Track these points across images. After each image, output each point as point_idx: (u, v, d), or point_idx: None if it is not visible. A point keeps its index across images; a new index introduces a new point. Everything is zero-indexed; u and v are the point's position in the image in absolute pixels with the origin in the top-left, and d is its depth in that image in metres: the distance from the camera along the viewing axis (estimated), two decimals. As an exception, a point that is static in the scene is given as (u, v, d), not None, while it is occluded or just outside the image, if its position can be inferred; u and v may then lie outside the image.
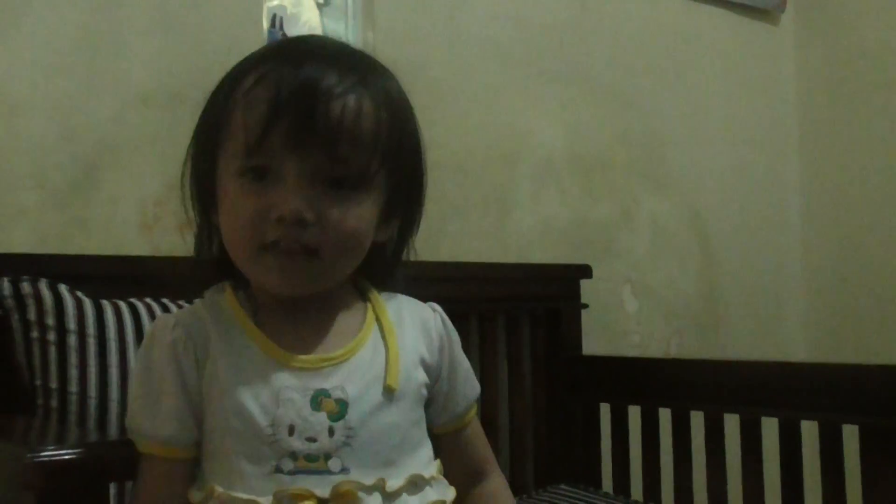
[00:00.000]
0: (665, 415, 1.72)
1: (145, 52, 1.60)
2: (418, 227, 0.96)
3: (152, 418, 0.84)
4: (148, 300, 1.36)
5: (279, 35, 1.79)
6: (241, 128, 0.82)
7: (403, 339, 0.92)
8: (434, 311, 0.98)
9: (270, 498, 0.80)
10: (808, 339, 2.54)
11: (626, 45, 2.26)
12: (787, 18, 2.60)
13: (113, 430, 1.19)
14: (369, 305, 0.93)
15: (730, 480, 1.61)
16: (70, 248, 1.48)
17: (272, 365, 0.84)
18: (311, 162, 0.81)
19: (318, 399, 0.83)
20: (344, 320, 0.91)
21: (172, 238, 1.59)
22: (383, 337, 0.91)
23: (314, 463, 0.82)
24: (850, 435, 1.41)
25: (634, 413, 1.78)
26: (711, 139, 2.41)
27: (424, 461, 0.90)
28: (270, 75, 0.82)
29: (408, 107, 0.91)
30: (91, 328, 1.26)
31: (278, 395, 0.83)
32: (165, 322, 0.88)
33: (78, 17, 1.54)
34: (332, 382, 0.85)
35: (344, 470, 0.82)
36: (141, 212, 1.57)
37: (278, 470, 0.81)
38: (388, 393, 0.87)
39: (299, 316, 0.89)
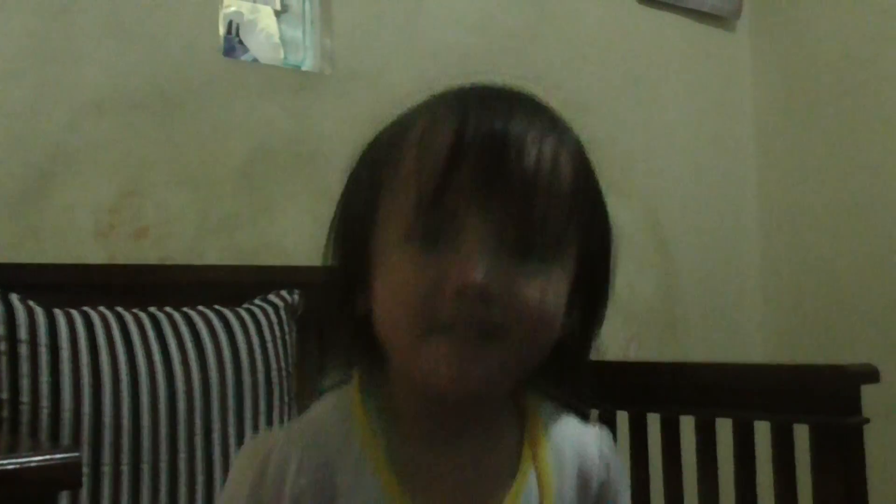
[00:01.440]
0: (623, 417, 1.73)
1: (99, 58, 1.59)
2: (603, 318, 0.79)
3: None
4: (102, 308, 1.35)
5: (236, 43, 1.79)
6: (413, 179, 0.66)
7: (562, 494, 0.73)
8: (598, 439, 0.78)
9: None
10: (765, 341, 2.57)
11: (584, 52, 2.28)
12: (743, 25, 2.63)
13: (66, 441, 1.19)
14: (526, 436, 0.74)
15: (686, 480, 1.62)
16: (22, 257, 1.47)
17: None
18: (499, 222, 0.65)
19: None
20: (497, 453, 0.72)
21: (128, 246, 1.58)
22: (540, 490, 0.72)
23: None
24: (801, 434, 1.43)
25: (592, 416, 1.79)
26: (669, 145, 2.44)
27: None
28: (449, 118, 0.67)
29: (594, 168, 0.76)
30: (43, 337, 1.25)
31: None
32: (283, 458, 0.68)
33: (29, 23, 1.53)
34: None
35: None
36: (95, 220, 1.56)
37: None
38: None
39: (444, 443, 0.71)
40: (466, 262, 0.64)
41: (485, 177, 0.65)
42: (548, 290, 0.67)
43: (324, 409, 0.72)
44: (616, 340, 2.27)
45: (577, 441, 0.76)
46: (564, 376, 0.76)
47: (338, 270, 0.73)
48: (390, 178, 0.68)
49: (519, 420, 0.75)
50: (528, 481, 0.71)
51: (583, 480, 0.75)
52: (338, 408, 0.71)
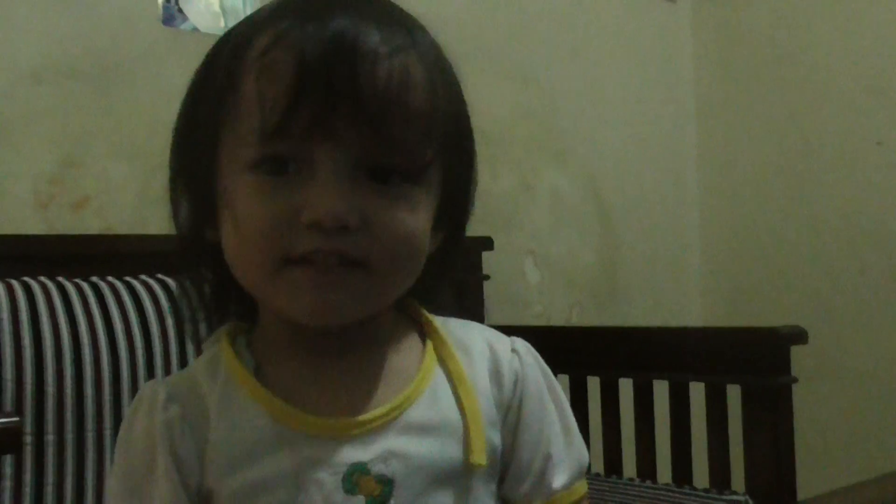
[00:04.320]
0: (564, 381, 1.77)
1: (35, 26, 1.57)
2: (465, 233, 0.74)
3: None
4: (42, 279, 1.35)
5: (175, 11, 1.77)
6: (255, 104, 0.60)
7: (478, 389, 0.68)
8: (514, 350, 0.72)
9: None
10: (705, 307, 2.63)
11: (526, 21, 2.29)
12: (684, -5, 2.67)
13: (8, 408, 1.19)
14: (428, 341, 0.70)
15: (624, 439, 1.67)
16: (-40, 228, 1.45)
17: (287, 434, 0.62)
18: (352, 147, 0.60)
19: (352, 477, 0.61)
20: (392, 360, 0.68)
21: (68, 217, 1.57)
22: (453, 389, 0.67)
23: None
24: (734, 394, 1.48)
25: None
26: (610, 113, 2.47)
27: None
28: (292, 33, 0.60)
29: (456, 75, 0.70)
30: (-19, 308, 1.25)
31: (298, 474, 0.61)
32: (154, 395, 0.65)
33: (-37, -8, 1.50)
34: (371, 452, 0.63)
35: None
36: (35, 190, 1.55)
37: None
38: (467, 470, 0.65)
39: (325, 357, 0.66)
40: (321, 192, 0.59)
41: (333, 100, 0.59)
42: (411, 214, 0.62)
43: (198, 360, 0.70)
44: (558, 307, 2.31)
45: (485, 336, 0.72)
46: (430, 288, 0.71)
47: (187, 203, 0.68)
48: (230, 100, 0.62)
49: (411, 323, 0.71)
50: (433, 373, 0.67)
51: (495, 372, 0.69)
52: (210, 351, 0.68)
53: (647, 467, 1.60)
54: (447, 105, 0.65)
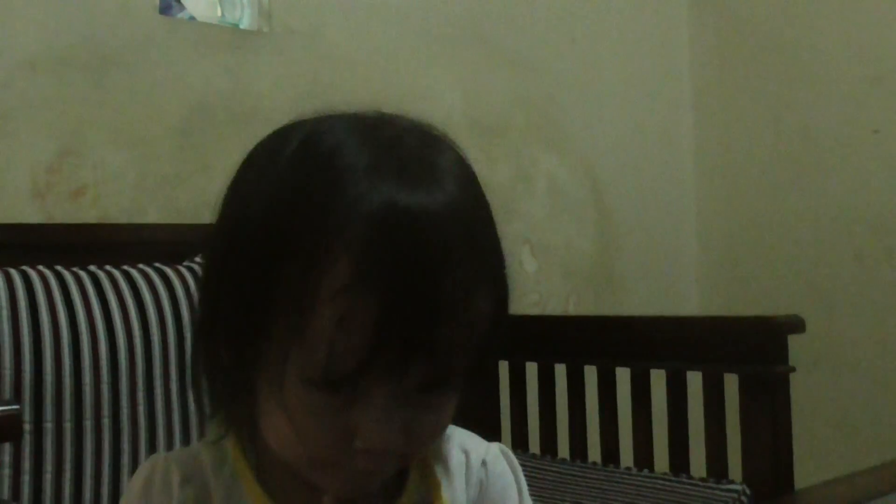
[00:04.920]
0: (561, 370, 1.77)
1: (32, 15, 1.56)
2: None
3: None
4: (40, 268, 1.35)
5: (172, 0, 1.77)
6: (325, 343, 0.58)
7: (454, 495, 0.72)
8: (484, 464, 0.74)
9: None
10: (702, 296, 2.63)
11: (523, 8, 2.29)
12: (681, -17, 2.66)
13: (6, 396, 1.19)
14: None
15: (621, 429, 1.67)
16: (-42, 217, 1.45)
17: None
18: (410, 383, 0.61)
19: None
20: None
21: (66, 206, 1.57)
22: (430, 493, 0.71)
23: None
24: (732, 383, 1.48)
25: (532, 369, 1.83)
26: (607, 102, 2.47)
27: None
28: (375, 284, 0.57)
29: (508, 277, 0.69)
30: (-20, 297, 1.25)
31: None
32: (168, 473, 0.67)
33: (-41, -20, 1.50)
34: None
35: None
36: (32, 179, 1.55)
37: None
38: None
39: None
40: (376, 423, 0.60)
41: (406, 359, 0.59)
42: (447, 414, 0.65)
43: (204, 445, 0.71)
44: (555, 296, 2.31)
45: (462, 446, 0.74)
46: None
47: (209, 319, 0.65)
48: (299, 318, 0.59)
49: None
50: (417, 490, 0.70)
51: (468, 482, 0.73)
52: (214, 448, 0.69)
53: (644, 457, 1.60)
54: (499, 321, 0.65)
